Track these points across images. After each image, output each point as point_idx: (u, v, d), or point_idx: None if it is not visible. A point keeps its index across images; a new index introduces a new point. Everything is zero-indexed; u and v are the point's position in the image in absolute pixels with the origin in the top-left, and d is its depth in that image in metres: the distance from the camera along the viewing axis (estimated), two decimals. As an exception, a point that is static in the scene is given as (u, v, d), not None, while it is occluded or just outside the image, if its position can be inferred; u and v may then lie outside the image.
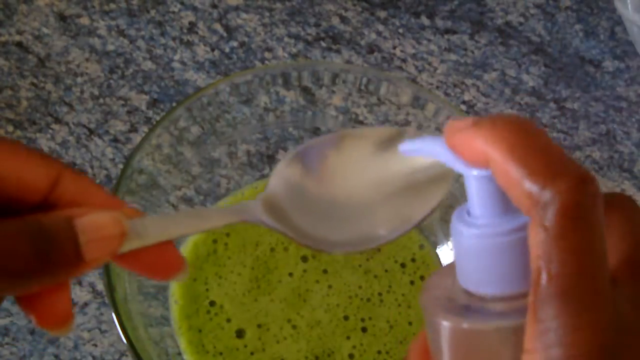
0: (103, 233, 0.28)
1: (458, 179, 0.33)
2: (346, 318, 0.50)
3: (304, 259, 0.52)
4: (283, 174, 0.34)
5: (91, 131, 0.61)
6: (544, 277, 0.25)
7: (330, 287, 0.51)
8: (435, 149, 0.29)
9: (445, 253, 0.53)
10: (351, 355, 0.50)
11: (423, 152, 0.31)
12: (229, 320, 0.49)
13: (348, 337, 0.50)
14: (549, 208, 0.25)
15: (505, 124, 0.26)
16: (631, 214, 0.28)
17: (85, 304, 0.53)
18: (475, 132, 0.27)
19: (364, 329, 0.50)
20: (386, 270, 0.52)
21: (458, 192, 0.53)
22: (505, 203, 0.28)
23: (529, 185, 0.25)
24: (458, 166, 0.28)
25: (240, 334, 0.49)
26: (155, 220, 0.30)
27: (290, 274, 0.51)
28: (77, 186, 0.29)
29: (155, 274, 0.31)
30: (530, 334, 0.25)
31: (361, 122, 0.55)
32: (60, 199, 0.29)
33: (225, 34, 0.67)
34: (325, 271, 0.51)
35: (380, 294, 0.52)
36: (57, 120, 0.61)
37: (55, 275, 0.28)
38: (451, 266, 0.30)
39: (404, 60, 0.67)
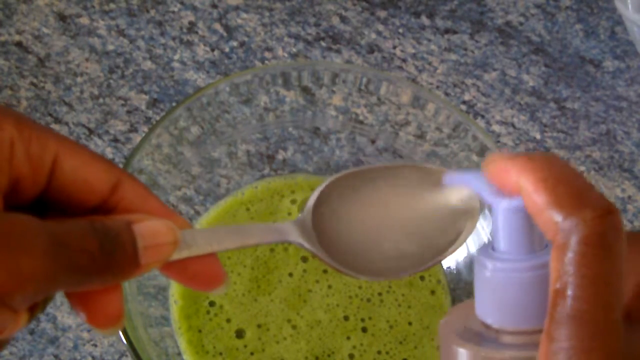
0: (158, 240, 0.30)
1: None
2: (346, 318, 0.50)
3: (304, 259, 0.52)
4: (323, 198, 0.36)
5: (91, 131, 0.61)
6: (561, 299, 0.26)
7: (330, 287, 0.51)
8: (473, 180, 0.31)
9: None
10: (351, 355, 0.49)
11: (463, 182, 0.33)
12: (228, 321, 0.49)
13: (348, 337, 0.50)
14: (572, 234, 0.26)
15: (539, 157, 0.28)
16: None
17: (85, 304, 0.53)
18: (511, 162, 0.29)
19: (364, 329, 0.50)
20: (386, 270, 0.52)
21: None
22: (530, 241, 0.29)
23: (556, 213, 0.27)
24: (489, 197, 0.30)
25: (240, 334, 0.49)
26: (203, 233, 0.32)
27: (290, 274, 0.51)
28: (135, 194, 0.31)
29: (198, 284, 0.33)
30: (543, 353, 0.26)
31: (361, 122, 0.55)
32: (117, 204, 0.31)
33: (225, 34, 0.67)
34: (325, 271, 0.51)
35: (380, 294, 0.52)
36: (57, 120, 0.61)
37: (115, 275, 0.29)
38: (471, 301, 0.31)
39: (404, 60, 0.67)
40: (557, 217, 0.27)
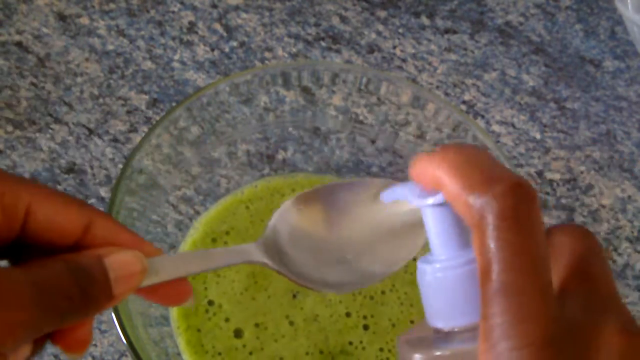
0: (128, 269, 0.31)
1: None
2: (348, 314, 0.50)
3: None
4: (284, 216, 0.37)
5: (91, 131, 0.61)
6: (487, 277, 0.27)
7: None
8: (403, 191, 0.32)
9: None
10: (355, 347, 0.49)
11: (395, 195, 0.34)
12: (227, 320, 0.49)
13: (350, 334, 0.50)
14: (487, 212, 0.27)
15: (452, 149, 0.29)
16: (578, 236, 0.30)
17: (85, 304, 0.53)
18: (429, 159, 0.29)
19: (365, 327, 0.50)
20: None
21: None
22: (460, 236, 0.30)
23: (469, 196, 0.27)
24: (416, 201, 0.30)
25: (238, 333, 0.49)
26: (170, 260, 0.33)
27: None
28: (106, 231, 0.32)
29: (167, 302, 0.35)
30: (481, 335, 0.27)
31: (361, 122, 0.55)
32: (91, 242, 0.32)
33: (225, 34, 0.67)
34: None
35: (383, 292, 0.51)
36: (57, 120, 0.61)
37: (90, 310, 0.30)
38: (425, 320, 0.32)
39: (404, 60, 0.67)
40: (472, 199, 0.27)
